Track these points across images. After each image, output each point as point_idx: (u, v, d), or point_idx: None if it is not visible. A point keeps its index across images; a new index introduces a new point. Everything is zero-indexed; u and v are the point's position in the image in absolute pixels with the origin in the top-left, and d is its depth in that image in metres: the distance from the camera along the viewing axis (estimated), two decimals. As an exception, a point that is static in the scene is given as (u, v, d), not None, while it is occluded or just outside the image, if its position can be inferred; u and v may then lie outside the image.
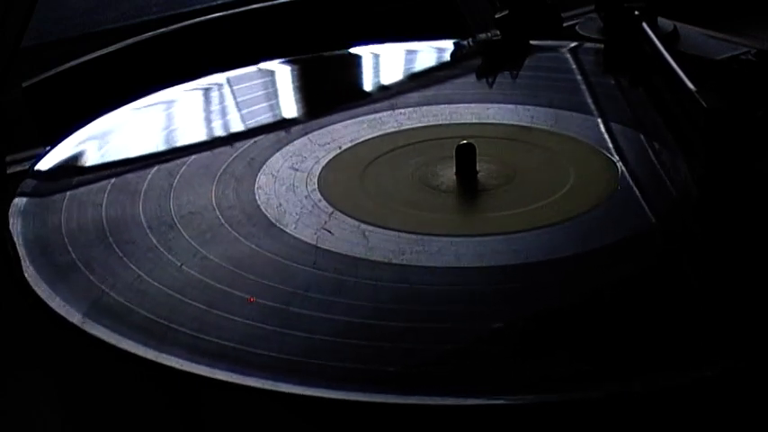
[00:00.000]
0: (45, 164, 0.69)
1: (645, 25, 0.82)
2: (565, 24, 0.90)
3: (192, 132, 0.75)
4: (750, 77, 0.76)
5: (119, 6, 1.05)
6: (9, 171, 0.72)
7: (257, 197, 0.64)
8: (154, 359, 0.50)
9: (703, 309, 0.53)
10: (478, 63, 0.86)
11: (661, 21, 0.87)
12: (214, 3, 0.98)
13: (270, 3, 0.93)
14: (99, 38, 0.92)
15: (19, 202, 0.64)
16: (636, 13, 0.84)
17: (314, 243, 0.58)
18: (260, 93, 0.80)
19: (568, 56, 0.84)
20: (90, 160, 0.71)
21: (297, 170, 0.67)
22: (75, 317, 0.53)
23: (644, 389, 0.47)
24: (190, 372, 0.49)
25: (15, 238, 0.60)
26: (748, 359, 0.49)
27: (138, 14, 1.02)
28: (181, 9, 0.99)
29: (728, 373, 0.48)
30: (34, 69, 0.82)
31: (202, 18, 0.91)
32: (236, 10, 0.92)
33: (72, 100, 0.80)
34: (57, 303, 0.54)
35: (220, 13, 0.92)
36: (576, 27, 0.90)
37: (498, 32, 0.88)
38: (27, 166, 0.70)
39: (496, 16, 0.88)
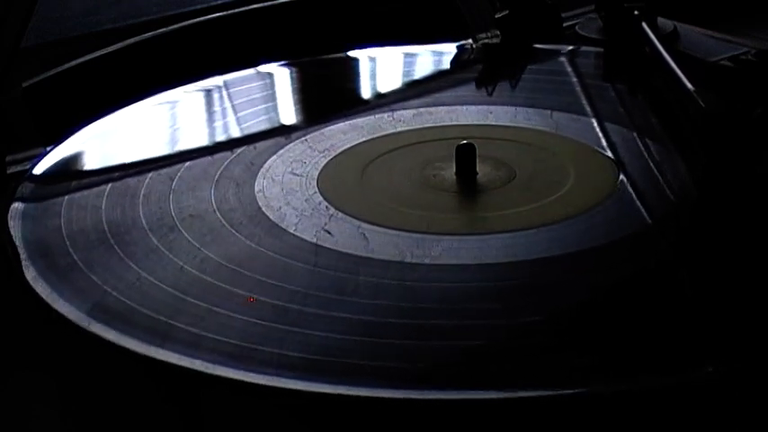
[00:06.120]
0: (43, 167, 0.69)
1: (645, 25, 0.82)
2: (565, 24, 0.90)
3: (190, 135, 0.75)
4: (750, 77, 0.76)
5: (119, 6, 1.05)
6: (9, 171, 0.72)
7: (257, 199, 0.64)
8: (156, 357, 0.50)
9: (702, 309, 0.53)
10: (479, 68, 0.86)
11: (661, 21, 0.87)
12: (214, 3, 0.98)
13: (270, 3, 0.93)
14: (99, 38, 0.92)
15: (18, 205, 0.64)
16: (636, 13, 0.84)
17: (314, 242, 0.59)
18: (259, 95, 0.80)
19: (569, 58, 0.84)
20: (88, 163, 0.71)
21: (297, 174, 0.67)
22: (77, 316, 0.53)
23: (641, 388, 0.47)
24: (191, 369, 0.49)
25: (15, 241, 0.60)
26: (747, 359, 0.49)
27: (138, 14, 1.02)
28: (181, 9, 0.99)
29: (727, 373, 0.48)
30: (34, 69, 0.82)
31: (202, 18, 0.91)
32: (236, 10, 0.92)
33: (72, 100, 0.80)
34: (58, 303, 0.54)
35: (220, 13, 0.92)
36: (576, 27, 0.90)
37: (498, 33, 0.88)
38: (27, 166, 0.70)
39: (496, 16, 0.88)
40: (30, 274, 0.56)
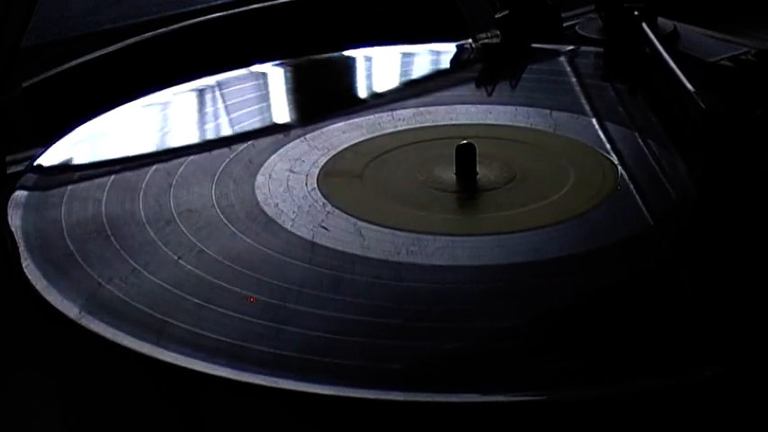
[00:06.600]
0: (44, 160, 0.69)
1: (645, 25, 0.82)
2: (565, 24, 0.91)
3: (190, 133, 0.75)
4: (750, 77, 0.76)
5: (119, 6, 1.06)
6: (9, 171, 0.72)
7: (256, 196, 0.64)
8: (150, 354, 0.50)
9: (702, 310, 0.53)
10: (478, 68, 0.86)
11: (661, 21, 0.87)
12: (214, 2, 0.98)
13: (270, 3, 0.93)
14: (99, 38, 0.92)
15: (18, 195, 0.64)
16: (636, 13, 0.84)
17: (311, 240, 0.59)
18: (259, 94, 0.80)
19: (568, 58, 0.84)
20: (88, 158, 0.71)
21: (296, 172, 0.67)
22: (72, 311, 0.53)
23: (640, 389, 0.47)
24: (186, 368, 0.49)
25: (14, 232, 0.60)
26: (746, 360, 0.49)
27: (138, 14, 1.02)
28: (181, 9, 0.99)
29: (726, 374, 0.48)
30: (34, 69, 0.82)
31: (203, 18, 0.91)
32: (237, 10, 0.92)
33: (72, 100, 0.80)
34: (54, 298, 0.54)
35: (220, 14, 0.92)
36: (576, 27, 0.90)
37: (498, 33, 0.88)
38: (27, 166, 0.70)
39: (496, 16, 0.88)
40: (27, 265, 0.56)
